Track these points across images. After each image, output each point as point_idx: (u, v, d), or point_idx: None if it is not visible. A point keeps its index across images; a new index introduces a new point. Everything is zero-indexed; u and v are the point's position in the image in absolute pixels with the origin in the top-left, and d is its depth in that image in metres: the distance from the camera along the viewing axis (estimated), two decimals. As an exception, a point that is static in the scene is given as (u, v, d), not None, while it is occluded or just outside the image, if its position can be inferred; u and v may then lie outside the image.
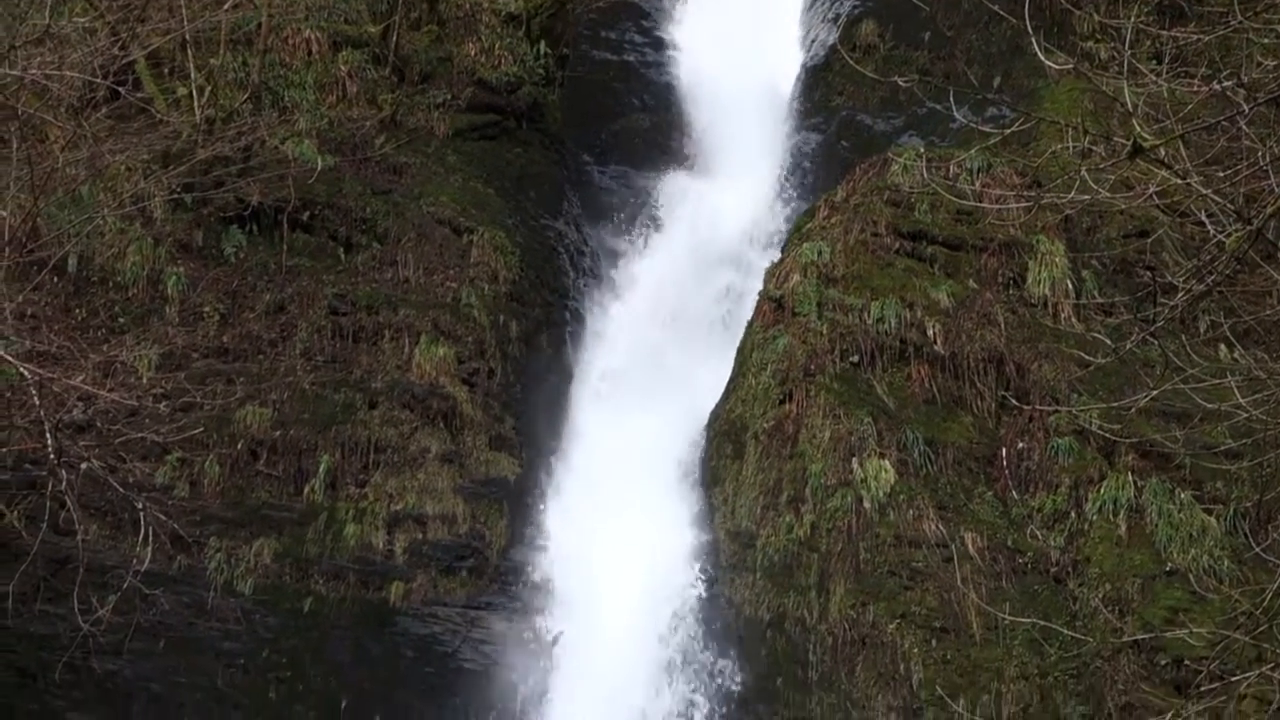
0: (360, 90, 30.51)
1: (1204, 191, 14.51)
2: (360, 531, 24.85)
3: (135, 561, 21.11)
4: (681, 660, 24.22)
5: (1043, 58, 16.12)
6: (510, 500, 26.18)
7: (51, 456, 20.20)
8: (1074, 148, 24.27)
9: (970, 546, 24.11)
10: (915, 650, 23.11)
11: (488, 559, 25.16)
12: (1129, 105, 14.05)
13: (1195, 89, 14.77)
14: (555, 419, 28.80)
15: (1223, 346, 23.81)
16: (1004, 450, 25.34)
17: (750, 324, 28.01)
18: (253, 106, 28.54)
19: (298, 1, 30.43)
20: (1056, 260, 26.89)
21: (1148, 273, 26.26)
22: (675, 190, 33.41)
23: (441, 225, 29.00)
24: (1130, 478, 23.91)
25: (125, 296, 26.45)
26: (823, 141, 34.48)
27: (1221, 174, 14.99)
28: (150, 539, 20.97)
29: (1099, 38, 28.84)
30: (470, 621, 24.44)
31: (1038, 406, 24.89)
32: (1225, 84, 13.87)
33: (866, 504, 24.50)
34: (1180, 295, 16.22)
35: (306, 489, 25.18)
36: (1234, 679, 18.16)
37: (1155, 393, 18.37)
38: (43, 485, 22.01)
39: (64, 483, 20.61)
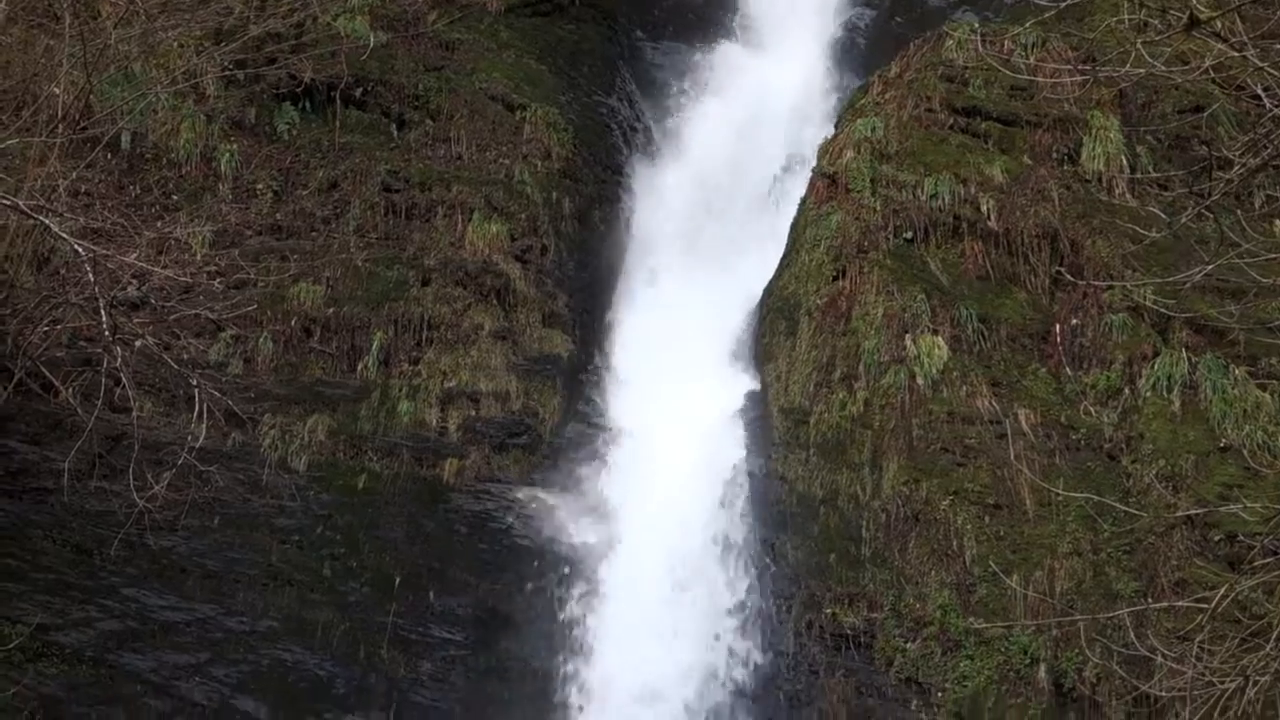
0: (412, -35, 30.05)
1: (1260, 65, 14.08)
2: (414, 408, 24.68)
3: (190, 438, 20.88)
4: (733, 535, 23.95)
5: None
6: (563, 377, 25.97)
7: (106, 333, 20.03)
8: (1129, 21, 23.65)
9: (1023, 423, 23.84)
10: (968, 526, 22.89)
11: (541, 435, 24.98)
12: (1188, -23, 13.56)
13: (1254, -41, 14.31)
14: (608, 296, 28.53)
15: (1278, 221, 23.34)
16: (1057, 326, 25.00)
17: (803, 200, 27.64)
18: (305, -18, 28.13)
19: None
20: (1111, 135, 26.39)
21: (1203, 147, 25.67)
22: (728, 65, 32.79)
23: (494, 102, 28.62)
24: (1184, 354, 23.55)
25: (178, 174, 26.23)
26: (876, 17, 33.90)
27: (1278, 47, 14.56)
28: (205, 416, 20.77)
29: (1155, -92, 28.16)
30: (524, 498, 24.24)
31: (1092, 282, 24.48)
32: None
33: (919, 380, 24.23)
34: (1235, 170, 15.83)
35: (360, 366, 25.01)
36: (1288, 554, 17.87)
37: (1210, 268, 17.95)
38: (97, 362, 21.78)
39: (118, 359, 20.43)
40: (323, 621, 22.62)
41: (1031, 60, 26.85)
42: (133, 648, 21.79)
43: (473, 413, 24.86)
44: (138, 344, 22.05)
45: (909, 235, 25.89)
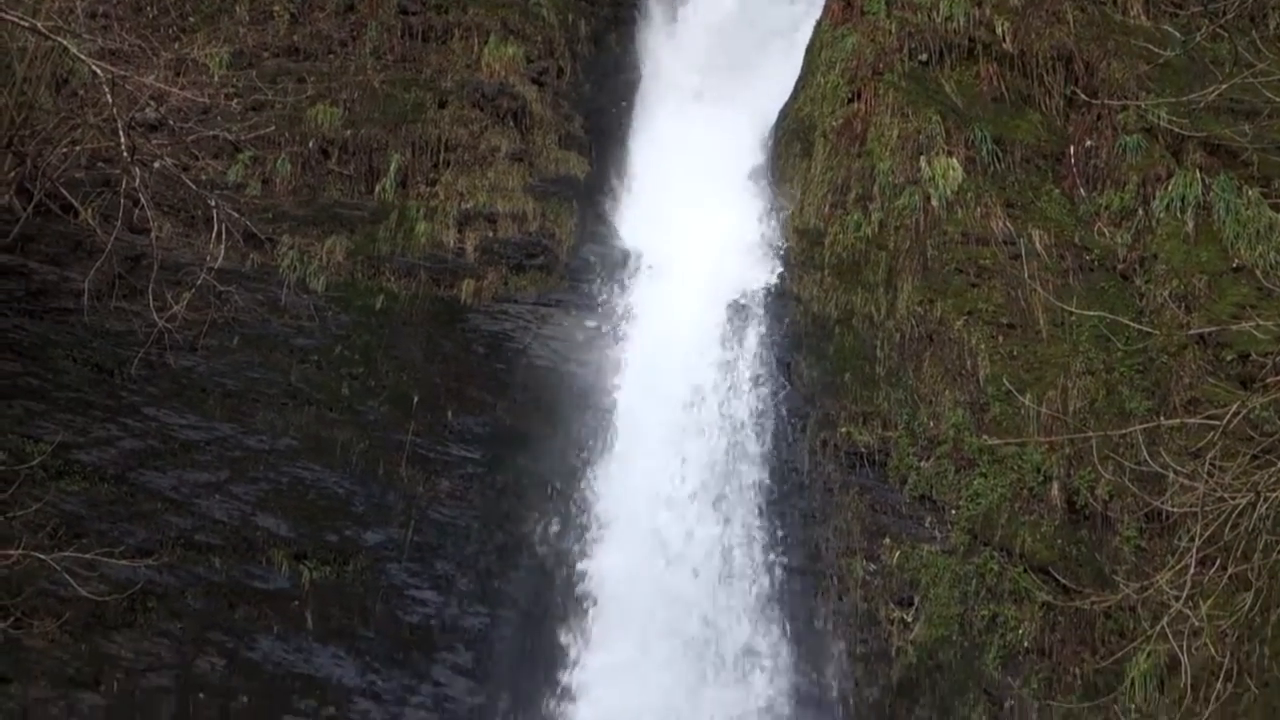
0: None
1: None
2: (431, 229, 24.42)
3: (209, 259, 20.80)
4: (747, 355, 23.74)
5: None
6: (579, 198, 25.64)
7: (125, 154, 19.84)
8: None
9: (1037, 243, 23.54)
10: (982, 346, 22.70)
11: (557, 256, 24.70)
12: None
13: None
14: (625, 118, 28.12)
15: (1292, 42, 22.99)
16: (1072, 148, 24.63)
17: (819, 23, 27.17)
18: None
19: None
20: (1125, -46, 25.90)
21: (1218, -32, 25.20)
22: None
23: (510, -77, 28.08)
24: (1198, 174, 23.17)
25: (196, -5, 25.88)
26: None
27: None
28: (223, 236, 20.68)
29: None
30: (540, 318, 24.06)
31: (1106, 103, 24.12)
32: None
33: (934, 202, 23.91)
34: (1249, -10, 15.44)
35: (377, 187, 24.73)
36: (1299, 372, 17.76)
37: (1223, 88, 17.69)
38: (116, 183, 21.58)
39: (137, 180, 20.27)
40: (341, 440, 22.53)
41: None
42: (153, 466, 21.77)
43: (490, 234, 24.57)
44: (156, 165, 21.89)
45: (924, 57, 25.43)
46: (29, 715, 19.88)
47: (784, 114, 26.95)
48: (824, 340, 23.62)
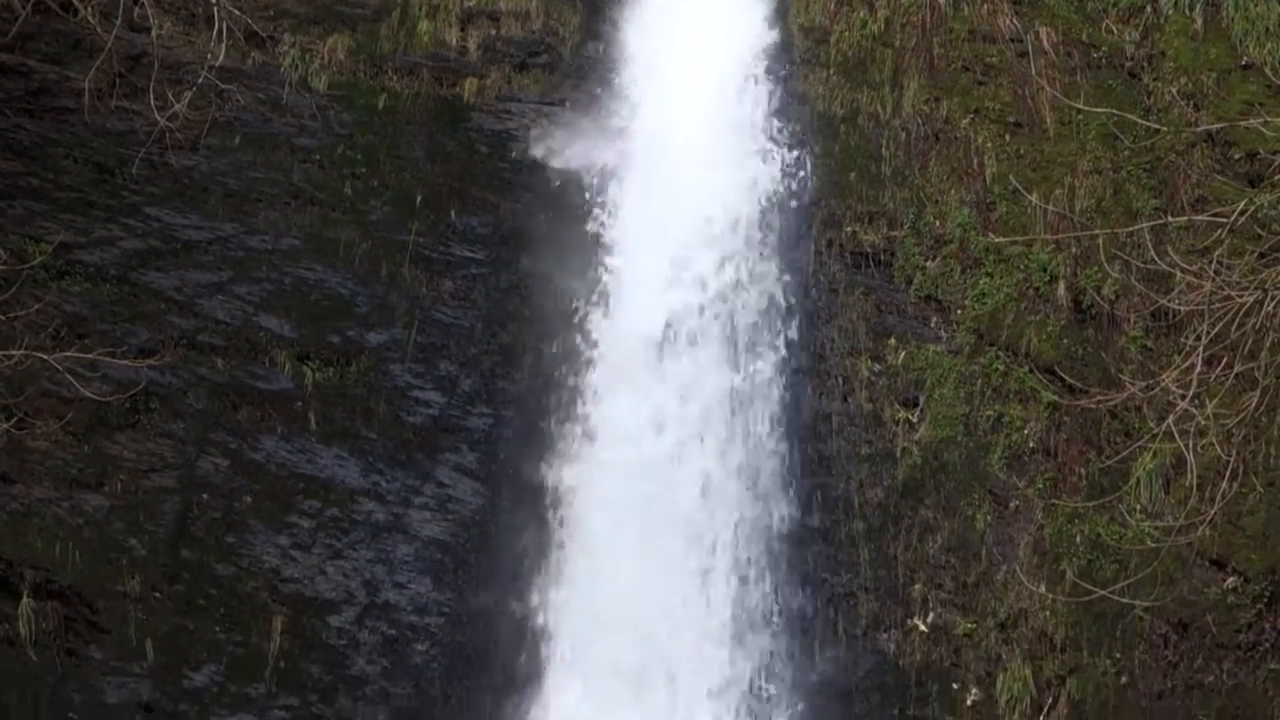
0: None
1: None
2: (433, 28, 23.74)
3: (210, 57, 20.09)
4: (750, 146, 23.22)
5: None
6: (583, -3, 25.00)
7: (123, -50, 19.24)
8: None
9: (1044, 41, 23.08)
10: (988, 145, 22.35)
11: (561, 55, 24.06)
12: None
13: None
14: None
15: None
16: (1080, -59, 24.01)
17: None
18: None
19: None
20: None
21: None
22: None
23: None
24: (1207, -31, 22.65)
25: None
26: None
27: None
28: (224, 35, 20.00)
29: None
30: (544, 117, 23.48)
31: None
32: None
33: (941, -1, 23.34)
34: None
35: (380, -17, 24.07)
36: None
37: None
38: (116, -20, 21.01)
39: (136, -25, 19.74)
40: (344, 240, 22.08)
41: None
42: (156, 266, 21.39)
43: (493, 32, 23.92)
44: (154, -40, 21.25)
45: None
46: (32, 516, 19.68)
47: (790, -91, 26.17)
48: (829, 139, 23.10)
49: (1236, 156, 21.33)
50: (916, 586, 21.09)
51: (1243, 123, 19.89)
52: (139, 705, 19.54)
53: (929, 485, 21.30)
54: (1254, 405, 16.19)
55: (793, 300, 22.23)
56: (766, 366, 21.95)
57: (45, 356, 18.45)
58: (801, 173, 22.92)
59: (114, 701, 19.47)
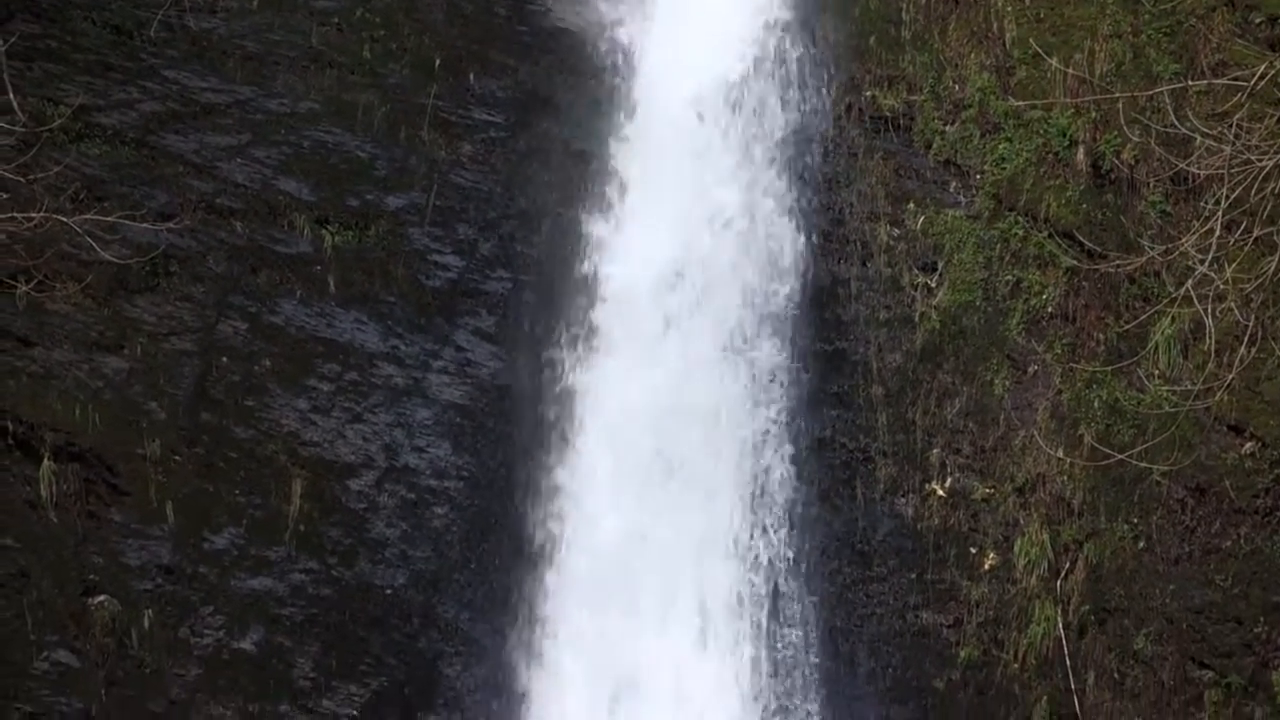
0: None
1: None
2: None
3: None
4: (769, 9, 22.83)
5: None
6: None
7: None
8: None
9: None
10: (1008, 8, 21.91)
11: (579, -86, 23.63)
12: None
13: None
14: None
15: None
16: None
17: None
18: None
19: None
20: None
21: None
22: None
23: None
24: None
25: None
26: None
27: None
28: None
29: None
30: (564, -23, 23.12)
31: None
32: None
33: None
34: None
35: None
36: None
37: None
38: None
39: None
40: (363, 103, 21.67)
41: None
42: (174, 129, 21.00)
43: (511, -108, 23.45)
44: None
45: None
46: (52, 379, 19.49)
47: None
48: (849, 2, 22.65)
49: (1257, 20, 20.83)
50: (934, 451, 20.95)
51: (1265, -16, 19.69)
52: (159, 567, 19.41)
53: (947, 350, 21.09)
54: (1273, 270, 16.09)
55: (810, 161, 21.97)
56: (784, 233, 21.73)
57: (64, 219, 18.50)
58: (821, 42, 22.52)
59: (134, 564, 19.35)
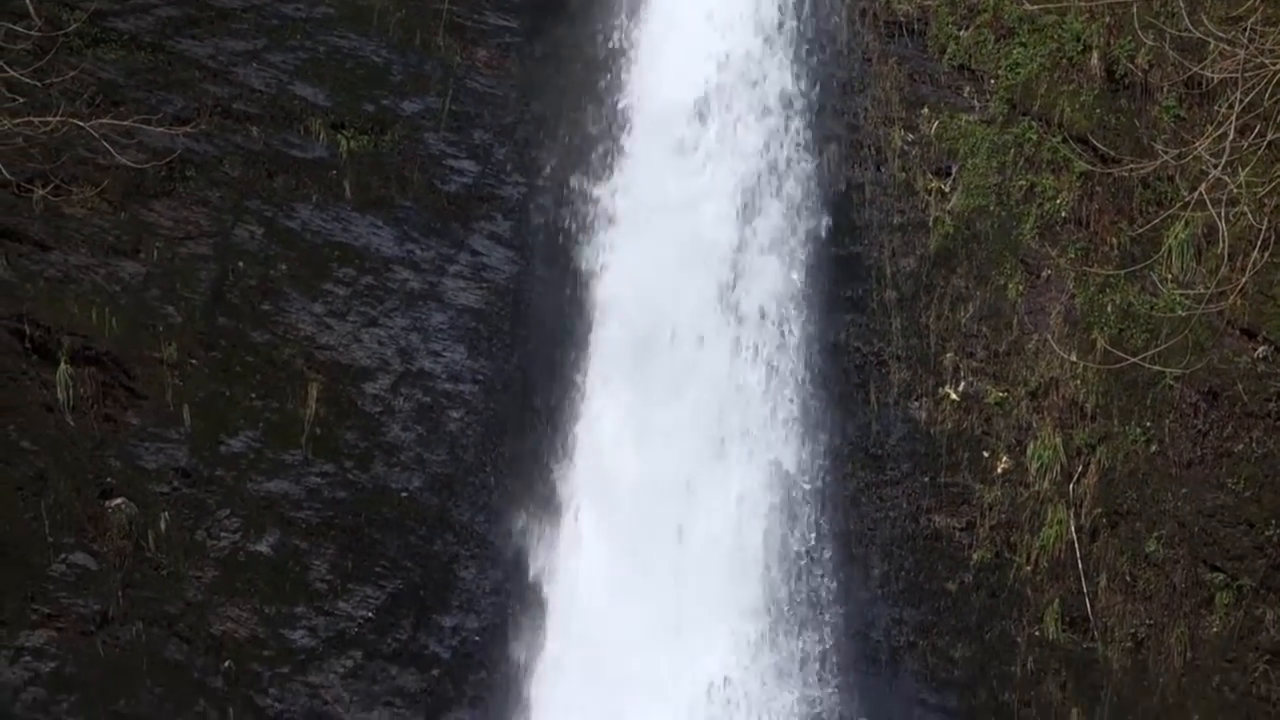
0: None
1: None
2: None
3: None
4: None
5: None
6: None
7: None
8: None
9: None
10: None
11: None
12: None
13: None
14: None
15: None
16: None
17: None
18: None
19: None
20: None
21: None
22: None
23: None
24: None
25: None
26: None
27: None
28: None
29: None
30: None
31: None
32: None
33: None
34: None
35: None
36: None
37: None
38: None
39: None
40: (378, 8, 21.49)
41: None
42: (190, 34, 20.84)
43: None
44: None
45: None
46: (69, 283, 19.46)
47: None
48: (864, -90, 22.39)
49: (1274, -77, 20.48)
50: (948, 355, 20.86)
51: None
52: (176, 471, 19.45)
53: (961, 254, 20.94)
54: (1287, 173, 15.93)
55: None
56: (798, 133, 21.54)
57: (81, 123, 18.37)
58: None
59: (151, 467, 19.39)
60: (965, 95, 21.35)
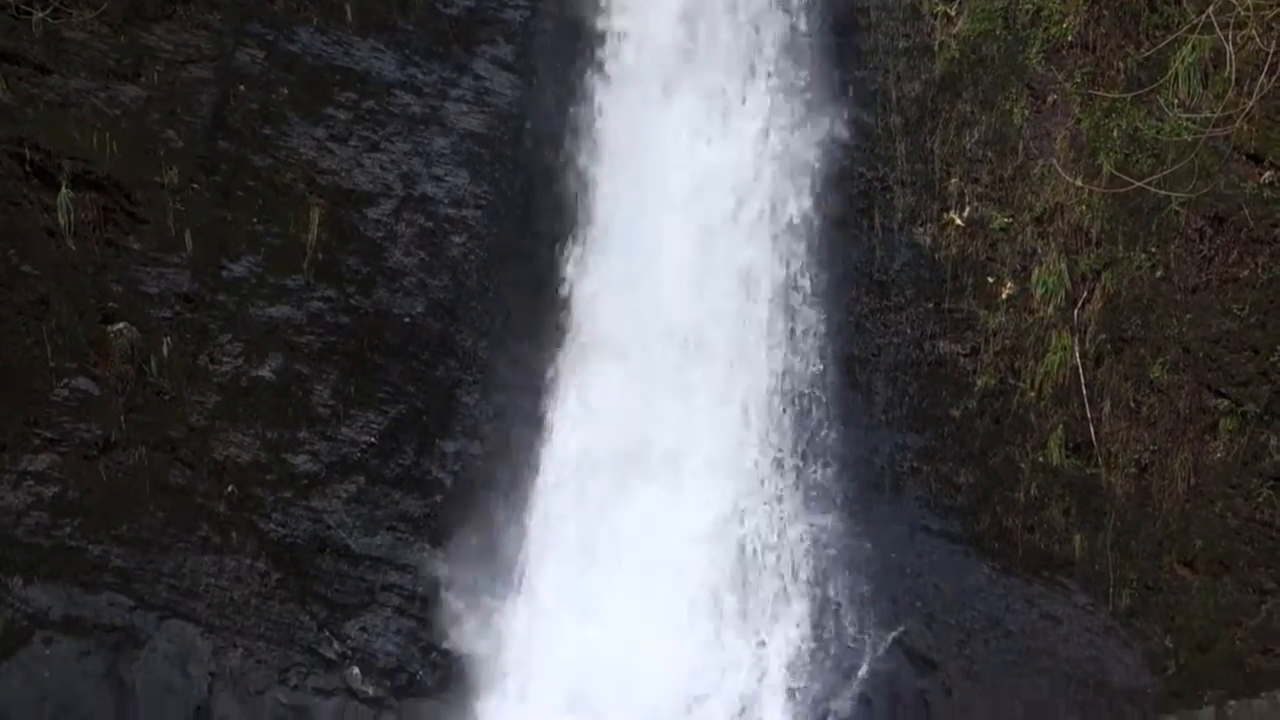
0: None
1: None
2: None
3: None
4: None
5: None
6: None
7: None
8: None
9: None
10: None
11: None
12: None
13: None
14: None
15: None
16: None
17: None
18: None
19: None
20: None
21: None
22: None
23: None
24: None
25: None
26: None
27: None
28: None
29: None
30: None
31: None
32: None
33: None
34: None
35: None
36: None
37: None
38: None
39: None
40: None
41: None
42: None
43: None
44: None
45: None
46: (69, 106, 19.21)
47: None
48: None
49: None
50: (953, 180, 20.64)
51: None
52: (178, 295, 19.40)
53: (966, 79, 20.68)
54: (1295, -3, 15.59)
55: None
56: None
57: (79, -55, 18.13)
58: None
59: (153, 291, 19.32)
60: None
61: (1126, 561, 19.21)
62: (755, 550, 20.46)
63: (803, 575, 20.40)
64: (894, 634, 20.11)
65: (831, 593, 20.36)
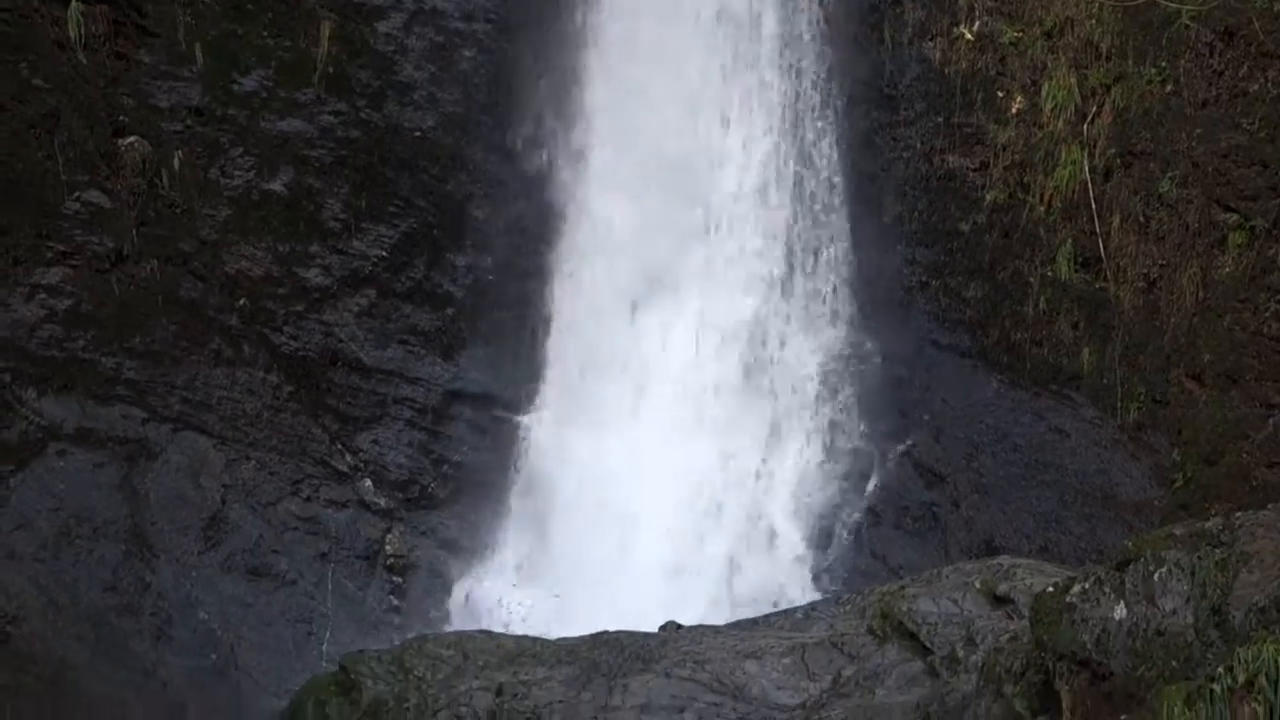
0: None
1: None
2: None
3: None
4: None
5: None
6: None
7: None
8: None
9: None
10: None
11: None
12: None
13: None
14: None
15: None
16: None
17: None
18: None
19: None
20: None
21: None
22: None
23: None
24: None
25: None
26: None
27: None
28: None
29: None
30: None
31: None
32: None
33: None
34: None
35: None
36: None
37: None
38: None
39: None
40: None
41: None
42: None
43: None
44: None
45: None
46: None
47: None
48: None
49: None
50: (963, -8, 20.37)
51: None
52: (189, 109, 19.26)
53: (976, -94, 20.35)
54: None
55: None
56: None
57: None
58: None
59: (164, 105, 19.19)
60: None
61: (1134, 375, 19.13)
62: (765, 362, 20.55)
63: (811, 390, 20.46)
64: (902, 447, 20.17)
65: (840, 407, 20.42)
